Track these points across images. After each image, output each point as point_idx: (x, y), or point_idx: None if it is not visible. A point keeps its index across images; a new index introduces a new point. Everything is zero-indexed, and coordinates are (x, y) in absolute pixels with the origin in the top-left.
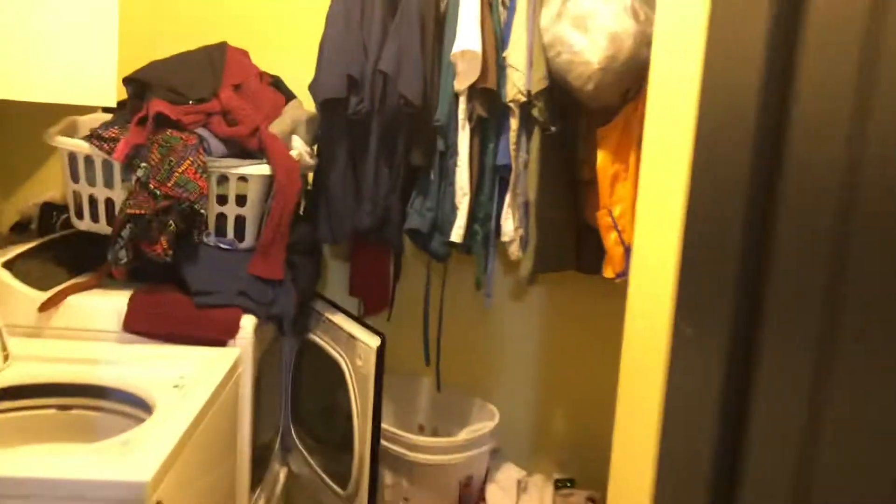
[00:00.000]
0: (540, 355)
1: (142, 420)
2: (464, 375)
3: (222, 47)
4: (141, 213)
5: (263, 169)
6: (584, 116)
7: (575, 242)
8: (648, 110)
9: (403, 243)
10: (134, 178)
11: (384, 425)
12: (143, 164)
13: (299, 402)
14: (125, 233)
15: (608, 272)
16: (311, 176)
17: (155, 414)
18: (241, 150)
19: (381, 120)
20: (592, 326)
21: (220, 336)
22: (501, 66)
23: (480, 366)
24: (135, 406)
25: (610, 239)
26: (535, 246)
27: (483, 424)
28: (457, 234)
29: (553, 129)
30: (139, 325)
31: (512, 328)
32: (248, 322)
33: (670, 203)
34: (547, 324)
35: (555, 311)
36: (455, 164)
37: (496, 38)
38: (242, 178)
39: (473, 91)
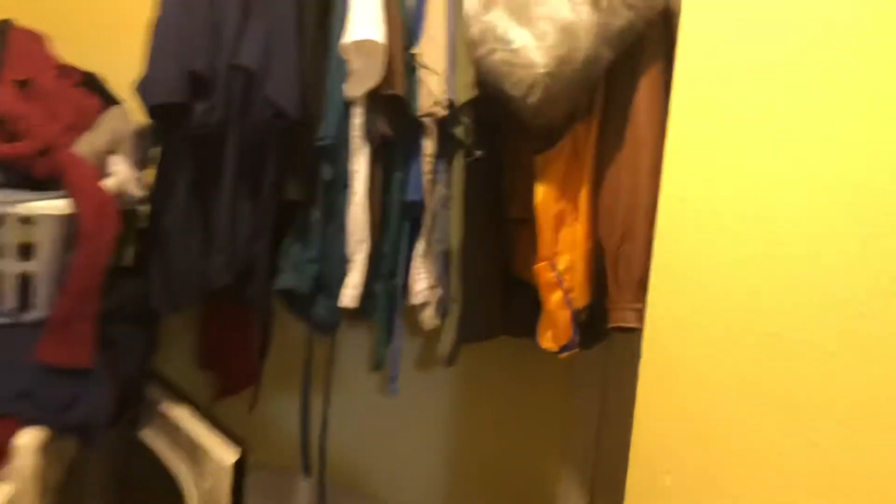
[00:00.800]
0: (454, 445)
1: None
2: (356, 475)
3: (3, 27)
4: None
5: (60, 205)
6: (513, 137)
7: (504, 300)
8: None
9: (273, 308)
10: None
11: None
12: None
13: None
14: None
15: (547, 341)
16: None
17: None
18: (26, 177)
19: (242, 136)
20: (524, 406)
21: None
22: (412, 67)
23: (378, 462)
24: None
25: (552, 300)
26: (460, 311)
27: None
28: (350, 297)
29: (479, 153)
30: None
31: (418, 411)
32: (28, 440)
33: None
34: (464, 403)
35: (475, 385)
36: (348, 200)
37: (404, 27)
38: (27, 220)
39: (374, 100)
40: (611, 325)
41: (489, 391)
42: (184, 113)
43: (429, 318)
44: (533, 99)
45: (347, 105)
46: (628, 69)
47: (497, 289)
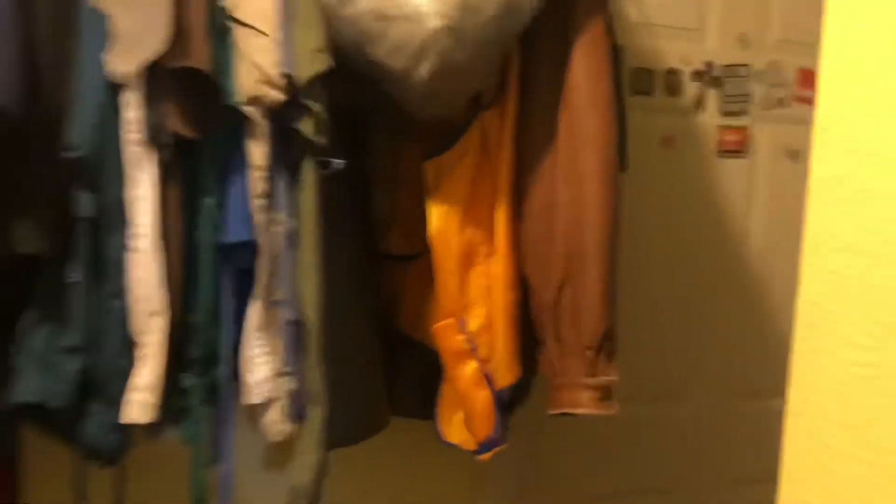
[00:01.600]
0: None
1: None
2: None
3: None
4: None
5: None
6: (391, 133)
7: (388, 371)
8: None
9: (15, 436)
10: None
11: None
12: None
13: None
14: None
15: (456, 433)
16: None
17: None
18: None
19: None
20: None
21: None
22: (223, 27)
23: None
24: None
25: (463, 375)
26: (324, 412)
27: None
28: (140, 405)
29: (339, 161)
30: None
31: None
32: None
33: None
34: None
35: (354, 479)
36: (124, 247)
37: None
38: None
39: (158, 79)
40: (552, 410)
41: (374, 484)
42: None
43: (275, 423)
44: (423, 72)
45: (113, 90)
46: (555, 26)
47: (378, 365)
